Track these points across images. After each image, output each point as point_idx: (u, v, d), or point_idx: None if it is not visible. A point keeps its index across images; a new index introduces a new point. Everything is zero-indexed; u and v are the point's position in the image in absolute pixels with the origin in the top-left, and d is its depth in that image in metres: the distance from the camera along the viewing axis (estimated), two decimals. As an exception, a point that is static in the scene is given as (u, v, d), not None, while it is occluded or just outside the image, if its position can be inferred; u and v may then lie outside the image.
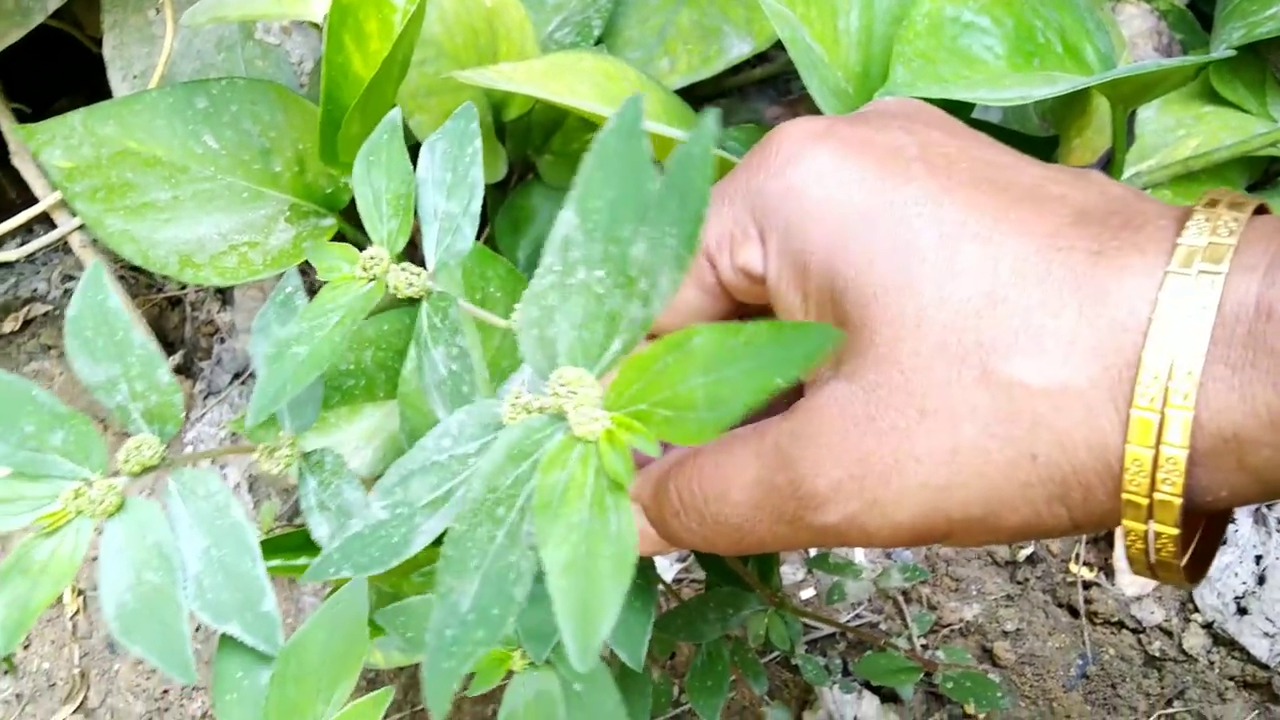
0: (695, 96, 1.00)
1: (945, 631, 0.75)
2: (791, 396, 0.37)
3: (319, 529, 0.45)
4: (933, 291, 0.27)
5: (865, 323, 0.28)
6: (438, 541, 0.58)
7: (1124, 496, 0.25)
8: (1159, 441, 0.24)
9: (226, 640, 0.41)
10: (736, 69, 0.99)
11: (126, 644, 0.38)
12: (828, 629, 0.75)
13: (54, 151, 0.68)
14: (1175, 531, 0.26)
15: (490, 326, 0.47)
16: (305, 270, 0.90)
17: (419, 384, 0.42)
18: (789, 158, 0.30)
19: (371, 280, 0.41)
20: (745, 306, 0.33)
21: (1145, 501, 0.25)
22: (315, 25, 0.75)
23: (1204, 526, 0.30)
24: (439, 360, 0.40)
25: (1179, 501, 0.25)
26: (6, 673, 0.82)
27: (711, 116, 0.27)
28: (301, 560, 0.56)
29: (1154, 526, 0.26)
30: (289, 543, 0.56)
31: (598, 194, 0.30)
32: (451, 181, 0.42)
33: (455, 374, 0.40)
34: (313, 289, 0.48)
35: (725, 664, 0.56)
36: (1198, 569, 0.30)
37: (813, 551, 0.78)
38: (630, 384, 0.27)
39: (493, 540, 0.28)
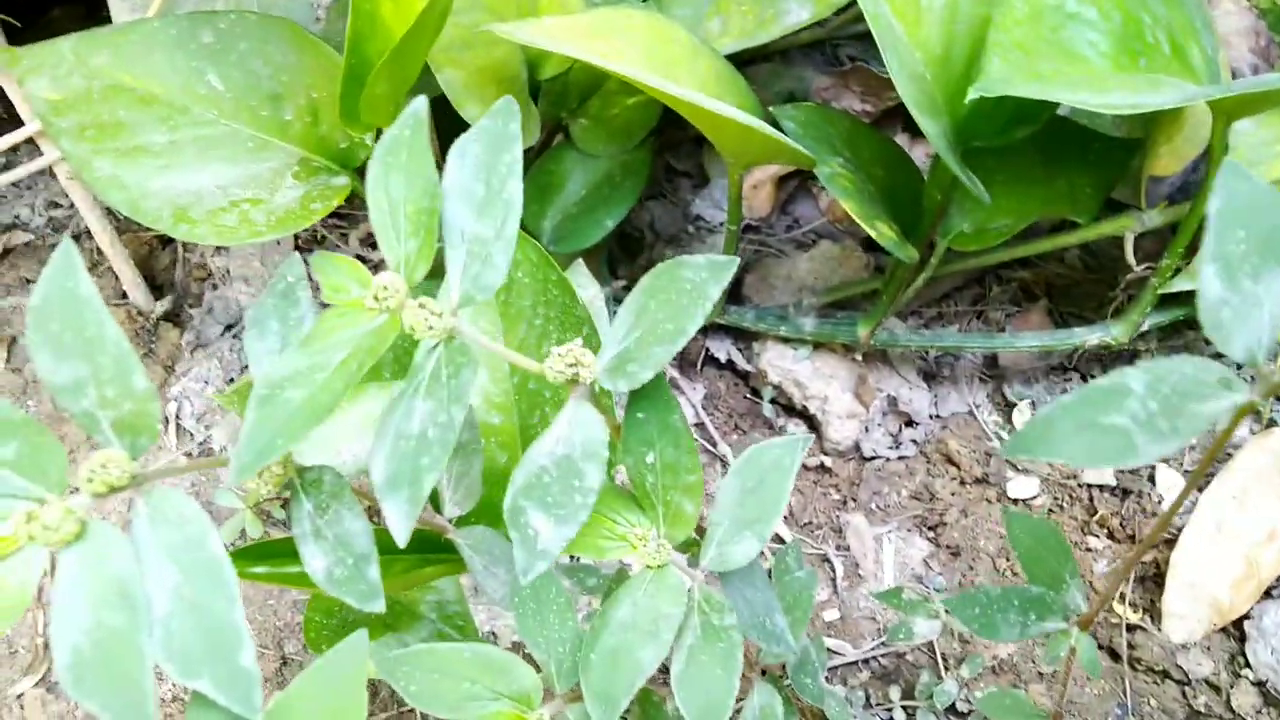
0: (738, 59, 0.92)
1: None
2: None
3: (313, 561, 0.39)
4: None
5: None
6: (443, 557, 0.52)
7: None
8: None
9: (200, 697, 0.35)
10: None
11: (78, 698, 0.33)
12: (851, 656, 0.70)
13: (40, 81, 0.61)
14: None
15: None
16: (310, 246, 0.82)
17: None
18: None
19: (384, 313, 0.34)
20: None
21: None
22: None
23: None
24: (418, 414, 0.34)
25: None
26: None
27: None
28: (292, 569, 0.50)
29: None
30: (277, 549, 0.50)
31: None
32: (484, 196, 0.35)
33: (425, 440, 0.34)
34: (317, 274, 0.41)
35: None
36: None
37: (886, 585, 0.72)
38: None
39: None
